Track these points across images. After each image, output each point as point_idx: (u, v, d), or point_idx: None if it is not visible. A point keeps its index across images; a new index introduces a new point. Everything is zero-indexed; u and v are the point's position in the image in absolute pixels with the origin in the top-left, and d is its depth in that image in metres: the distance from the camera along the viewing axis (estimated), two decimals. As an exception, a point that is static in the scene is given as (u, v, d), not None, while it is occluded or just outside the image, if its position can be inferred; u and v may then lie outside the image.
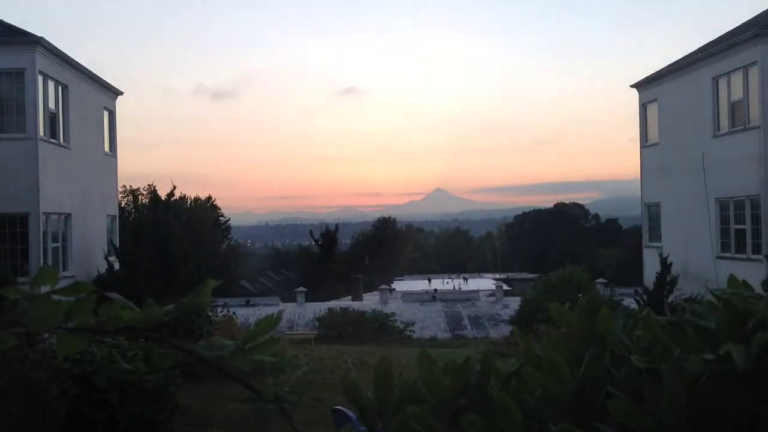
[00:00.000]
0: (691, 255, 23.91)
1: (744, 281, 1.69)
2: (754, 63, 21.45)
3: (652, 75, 28.22)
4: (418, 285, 49.33)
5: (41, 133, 21.80)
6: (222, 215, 59.27)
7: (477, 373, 1.60)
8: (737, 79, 22.41)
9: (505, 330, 27.02)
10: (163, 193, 26.18)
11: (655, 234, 28.23)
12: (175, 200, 29.24)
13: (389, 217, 73.13)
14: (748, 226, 21.97)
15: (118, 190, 31.69)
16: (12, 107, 21.60)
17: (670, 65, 27.30)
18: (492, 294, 38.05)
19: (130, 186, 46.79)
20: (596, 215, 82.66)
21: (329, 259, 56.92)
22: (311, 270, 55.45)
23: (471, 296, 37.15)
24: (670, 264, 16.99)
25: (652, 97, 28.10)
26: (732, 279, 1.71)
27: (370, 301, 35.98)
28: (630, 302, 18.73)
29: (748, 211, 21.99)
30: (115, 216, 29.51)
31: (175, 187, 25.81)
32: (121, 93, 29.97)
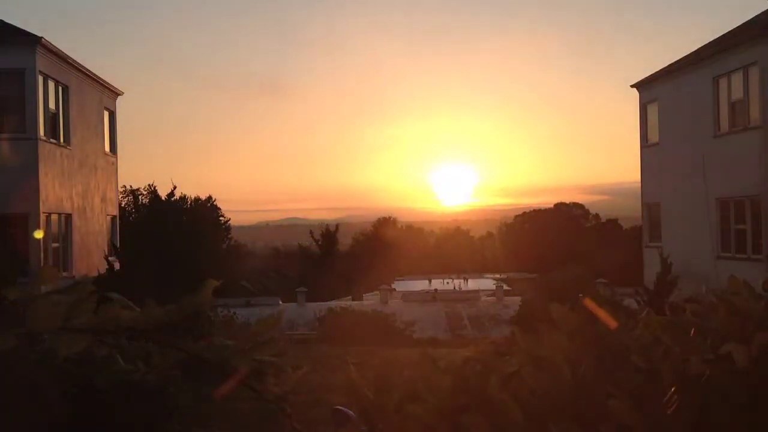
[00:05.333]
0: (691, 255, 23.92)
1: (744, 281, 1.69)
2: (754, 63, 21.45)
3: (652, 75, 28.22)
4: (418, 285, 49.34)
5: (41, 133, 21.81)
6: (222, 215, 59.28)
7: (477, 373, 1.60)
8: (737, 79, 22.41)
9: (505, 330, 27.01)
10: (163, 193, 26.20)
11: (655, 234, 28.23)
12: (175, 200, 29.26)
13: (389, 217, 73.22)
14: (748, 226, 21.97)
15: (118, 190, 31.71)
16: (12, 107, 21.61)
17: (670, 65, 27.30)
18: (492, 294, 38.08)
19: (131, 186, 46.82)
20: (596, 215, 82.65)
21: (329, 259, 56.96)
22: (311, 270, 55.47)
23: (471, 296, 37.18)
24: (671, 264, 16.96)
25: (652, 97, 28.11)
26: (732, 279, 1.71)
27: (370, 301, 36.00)
28: (630, 302, 18.70)
29: (748, 211, 21.99)
30: (115, 216, 29.52)
31: (175, 187, 25.85)
32: (122, 93, 30.00)
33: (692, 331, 1.51)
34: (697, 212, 24.28)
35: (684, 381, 1.41)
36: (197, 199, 54.92)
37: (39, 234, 20.74)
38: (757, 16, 25.13)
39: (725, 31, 25.81)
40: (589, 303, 1.63)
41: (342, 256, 60.59)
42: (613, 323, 1.61)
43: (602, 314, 1.61)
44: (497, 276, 59.80)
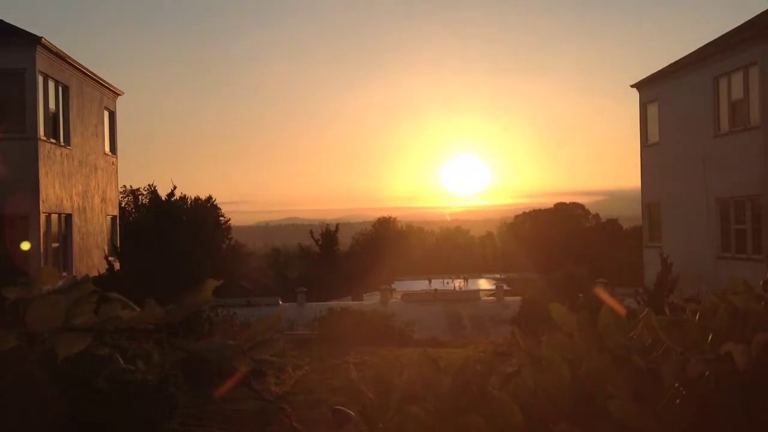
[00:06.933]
0: (691, 255, 23.93)
1: (744, 281, 1.69)
2: (754, 63, 21.46)
3: (652, 75, 28.23)
4: (418, 285, 49.35)
5: (41, 133, 21.81)
6: (222, 215, 59.33)
7: (477, 373, 1.60)
8: (738, 79, 22.42)
9: (506, 330, 26.96)
10: (163, 193, 26.21)
11: (655, 234, 28.24)
12: (175, 200, 29.21)
13: (389, 217, 73.23)
14: (748, 226, 21.97)
15: (118, 190, 31.72)
16: (12, 107, 21.61)
17: (670, 65, 27.31)
18: (492, 294, 38.08)
19: (131, 186, 46.87)
20: (596, 215, 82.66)
21: (329, 259, 56.96)
22: (311, 270, 55.48)
23: (471, 296, 37.18)
24: (671, 264, 16.97)
25: (653, 97, 28.12)
26: (732, 279, 1.72)
27: (370, 301, 35.98)
28: (630, 302, 18.69)
29: (748, 211, 21.99)
30: (115, 216, 29.52)
31: (175, 187, 25.77)
32: (122, 93, 29.99)
33: (692, 331, 1.51)
34: (697, 212, 24.28)
35: (684, 381, 1.41)
36: (197, 199, 54.99)
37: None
38: (757, 16, 25.14)
39: (725, 31, 25.83)
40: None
41: (342, 256, 60.57)
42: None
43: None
44: (497, 276, 59.83)
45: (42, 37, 21.56)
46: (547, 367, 1.53)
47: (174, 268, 22.11)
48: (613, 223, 76.30)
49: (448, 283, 52.67)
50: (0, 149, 21.22)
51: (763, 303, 1.53)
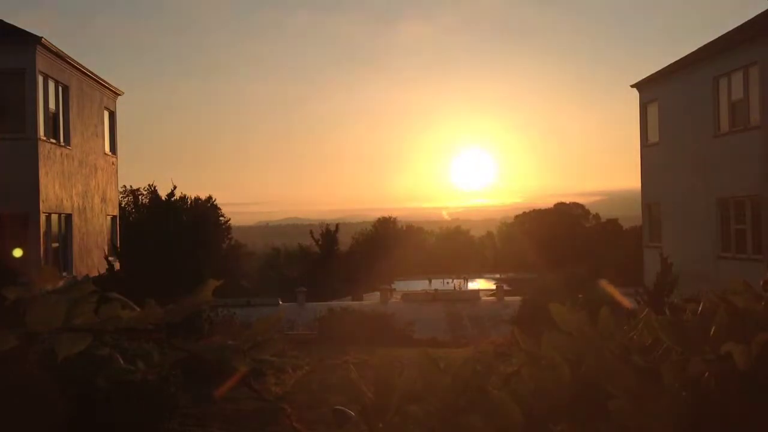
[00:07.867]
0: (692, 255, 23.93)
1: (744, 281, 1.69)
2: (754, 63, 21.45)
3: (652, 75, 28.22)
4: (418, 285, 49.40)
5: (41, 133, 21.80)
6: (222, 215, 59.34)
7: (477, 373, 1.60)
8: (737, 79, 22.41)
9: (506, 330, 26.96)
10: (163, 193, 26.20)
11: (655, 234, 28.24)
12: (176, 200, 29.22)
13: (389, 217, 73.23)
14: (748, 226, 21.96)
15: (118, 190, 31.72)
16: (12, 107, 21.60)
17: (670, 65, 27.30)
18: (492, 294, 38.09)
19: (131, 186, 46.89)
20: (596, 215, 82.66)
21: (329, 259, 56.97)
22: (311, 270, 55.48)
23: (471, 296, 37.18)
24: (671, 264, 16.96)
25: (653, 97, 28.11)
26: (733, 279, 1.71)
27: (370, 301, 35.98)
28: (630, 302, 18.65)
29: (748, 211, 21.99)
30: (115, 216, 29.52)
31: (175, 187, 25.76)
32: (122, 93, 29.99)
33: (692, 331, 1.51)
34: (697, 212, 24.28)
35: (684, 381, 1.41)
36: (197, 199, 54.98)
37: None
38: (757, 16, 25.13)
39: (725, 31, 25.82)
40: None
41: (342, 256, 60.59)
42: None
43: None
44: (497, 276, 59.86)
45: (42, 37, 21.55)
46: (547, 367, 1.53)
47: (174, 268, 22.10)
48: (613, 223, 76.26)
49: (448, 283, 52.70)
50: (0, 149, 21.23)
51: (763, 303, 1.53)
